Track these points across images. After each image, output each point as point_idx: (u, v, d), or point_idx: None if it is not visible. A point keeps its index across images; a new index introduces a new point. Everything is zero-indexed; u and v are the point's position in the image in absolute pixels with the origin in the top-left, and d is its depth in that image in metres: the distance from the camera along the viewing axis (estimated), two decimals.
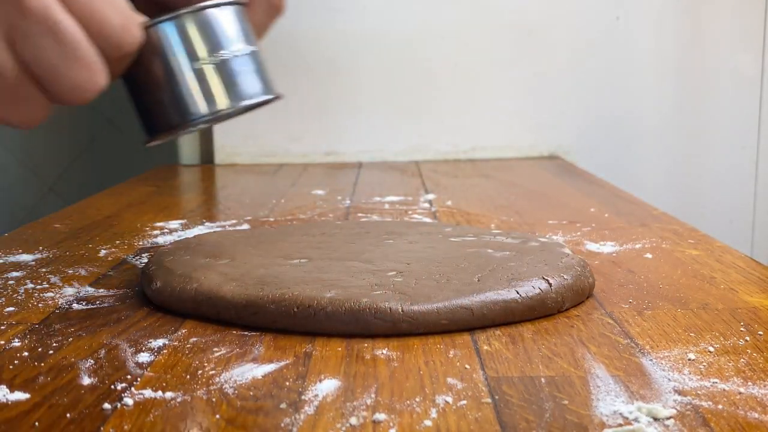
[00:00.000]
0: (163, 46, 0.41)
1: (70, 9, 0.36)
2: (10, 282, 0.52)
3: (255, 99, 0.43)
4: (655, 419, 0.30)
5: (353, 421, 0.31)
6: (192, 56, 0.41)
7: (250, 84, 0.43)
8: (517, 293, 0.43)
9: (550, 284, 0.44)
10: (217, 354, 0.38)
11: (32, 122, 0.38)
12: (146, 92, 0.42)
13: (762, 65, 1.23)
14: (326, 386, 0.34)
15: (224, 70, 0.42)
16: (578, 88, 1.23)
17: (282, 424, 0.31)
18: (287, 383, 0.35)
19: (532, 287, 0.43)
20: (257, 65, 0.44)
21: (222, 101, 0.42)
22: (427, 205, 0.81)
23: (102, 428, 0.30)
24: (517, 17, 1.21)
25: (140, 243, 0.64)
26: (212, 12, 0.42)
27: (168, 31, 0.41)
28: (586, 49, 1.22)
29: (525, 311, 0.43)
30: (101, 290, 0.50)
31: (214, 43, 0.42)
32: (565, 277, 0.45)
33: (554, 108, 1.23)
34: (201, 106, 0.42)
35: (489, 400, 0.32)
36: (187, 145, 1.24)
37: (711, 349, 0.38)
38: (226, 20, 0.42)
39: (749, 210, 1.26)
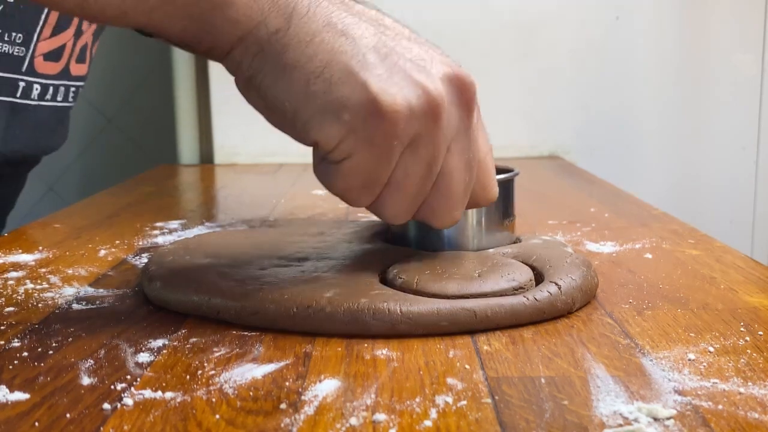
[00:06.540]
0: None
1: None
2: (10, 282, 0.52)
3: None
4: (655, 419, 0.30)
5: (353, 421, 0.31)
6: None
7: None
8: (525, 298, 0.42)
9: (560, 287, 0.43)
10: (217, 354, 0.38)
11: (398, 221, 0.44)
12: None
13: (762, 65, 1.23)
14: (326, 386, 0.34)
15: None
16: (578, 88, 1.23)
17: (282, 424, 0.31)
18: (287, 383, 0.35)
19: (540, 290, 0.43)
20: None
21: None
22: None
23: (102, 428, 0.30)
24: (517, 17, 1.21)
25: (140, 243, 0.64)
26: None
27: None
28: (586, 49, 1.22)
29: (534, 314, 0.42)
30: (101, 290, 0.50)
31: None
32: (573, 277, 0.45)
33: (554, 108, 1.23)
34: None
35: (489, 401, 0.32)
36: (187, 145, 1.24)
37: (711, 349, 0.38)
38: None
39: (749, 210, 1.26)
